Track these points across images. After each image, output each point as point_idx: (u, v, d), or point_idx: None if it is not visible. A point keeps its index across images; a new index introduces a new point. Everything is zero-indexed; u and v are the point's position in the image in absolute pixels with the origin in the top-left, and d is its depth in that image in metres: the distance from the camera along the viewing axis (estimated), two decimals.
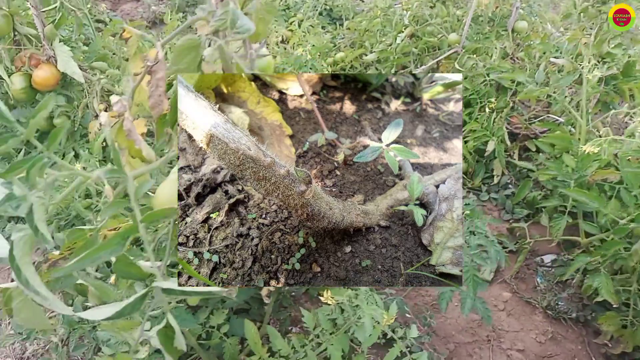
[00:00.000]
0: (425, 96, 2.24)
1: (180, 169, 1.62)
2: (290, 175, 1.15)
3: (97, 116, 2.24)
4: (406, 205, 1.48)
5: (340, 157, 1.72)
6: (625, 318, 1.70)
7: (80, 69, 2.16)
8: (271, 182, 1.14)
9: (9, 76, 2.20)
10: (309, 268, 1.35)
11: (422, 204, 1.55)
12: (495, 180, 2.59)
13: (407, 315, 1.94)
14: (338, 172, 1.72)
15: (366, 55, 3.13)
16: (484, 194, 2.62)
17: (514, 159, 2.62)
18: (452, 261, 1.41)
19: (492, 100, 2.55)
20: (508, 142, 2.55)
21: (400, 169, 1.67)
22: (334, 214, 1.30)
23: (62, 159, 2.46)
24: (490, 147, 2.48)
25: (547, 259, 2.26)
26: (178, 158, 1.67)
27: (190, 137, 1.66)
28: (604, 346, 1.85)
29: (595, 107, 2.38)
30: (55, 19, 2.18)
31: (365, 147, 1.64)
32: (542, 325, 1.98)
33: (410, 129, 2.04)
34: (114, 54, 2.64)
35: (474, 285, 1.53)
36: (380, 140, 1.57)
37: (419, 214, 1.39)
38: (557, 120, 2.55)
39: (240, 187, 1.57)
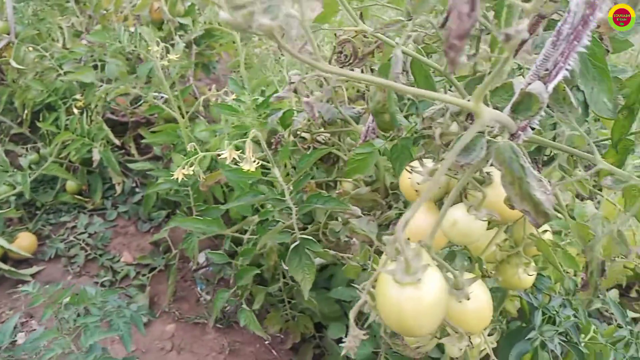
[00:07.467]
0: None
1: None
2: None
3: None
4: None
5: None
6: (286, 313, 1.55)
7: None
8: None
9: None
10: None
11: None
12: (118, 190, 2.09)
13: None
14: None
15: None
16: (110, 212, 2.11)
17: (133, 156, 2.15)
18: None
19: (78, 97, 1.98)
20: (117, 141, 2.04)
21: None
22: None
23: None
24: (96, 155, 1.94)
25: (201, 258, 1.90)
26: None
27: None
28: (279, 341, 1.70)
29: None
30: None
31: None
32: (216, 342, 1.68)
33: None
34: None
35: None
36: None
37: None
38: (163, 97, 1.90)
39: None
